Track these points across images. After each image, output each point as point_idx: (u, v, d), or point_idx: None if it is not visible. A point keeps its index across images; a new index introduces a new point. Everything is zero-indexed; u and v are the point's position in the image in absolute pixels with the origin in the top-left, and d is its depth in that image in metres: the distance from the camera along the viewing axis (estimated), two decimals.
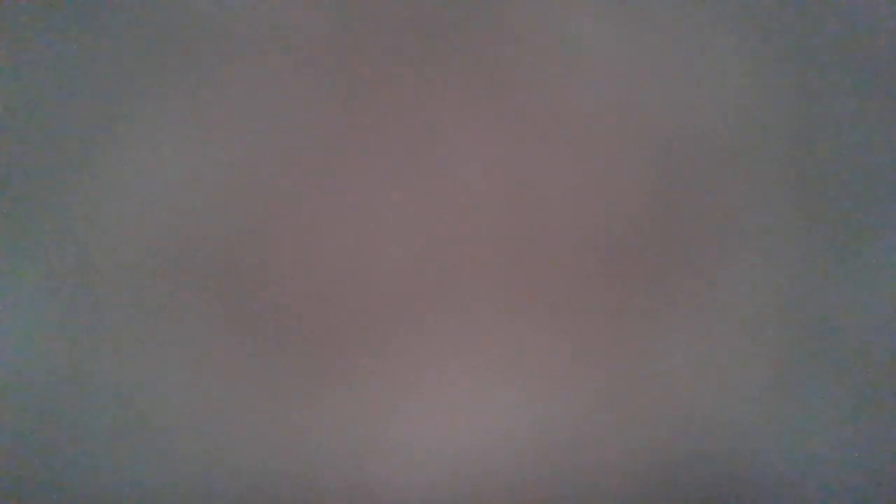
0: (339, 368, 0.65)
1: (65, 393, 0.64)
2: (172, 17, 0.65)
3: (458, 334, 0.65)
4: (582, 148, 0.65)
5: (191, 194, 0.64)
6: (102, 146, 0.64)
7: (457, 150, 0.65)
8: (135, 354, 0.64)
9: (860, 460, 0.66)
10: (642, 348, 0.65)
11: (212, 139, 0.65)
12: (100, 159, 0.64)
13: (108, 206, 0.64)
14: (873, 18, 0.67)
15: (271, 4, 0.65)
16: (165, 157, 0.64)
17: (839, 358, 0.66)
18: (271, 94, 0.65)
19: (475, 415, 0.65)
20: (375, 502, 0.65)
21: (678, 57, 0.66)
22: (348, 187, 0.65)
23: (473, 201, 0.65)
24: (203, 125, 0.65)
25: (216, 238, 0.64)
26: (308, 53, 0.65)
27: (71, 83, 0.64)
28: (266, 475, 0.64)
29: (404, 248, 0.65)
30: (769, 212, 0.66)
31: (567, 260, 0.65)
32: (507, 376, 0.65)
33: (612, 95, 0.66)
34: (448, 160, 0.65)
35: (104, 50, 0.64)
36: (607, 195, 0.65)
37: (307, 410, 0.65)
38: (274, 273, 0.64)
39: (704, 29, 0.66)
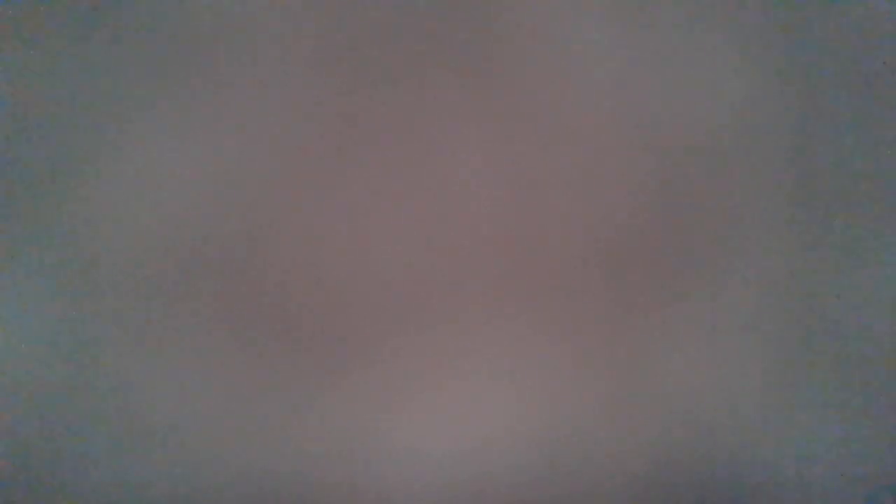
0: (339, 370, 0.65)
1: (65, 394, 0.64)
2: (173, 19, 0.65)
3: (457, 337, 0.65)
4: (581, 150, 0.65)
5: (191, 196, 0.64)
6: (103, 147, 0.64)
7: (456, 152, 0.65)
8: (134, 356, 0.64)
9: (860, 460, 0.66)
10: (642, 350, 0.65)
11: (212, 141, 0.65)
12: (100, 160, 0.64)
13: (108, 207, 0.64)
14: (873, 19, 0.67)
15: (271, 6, 0.65)
16: (165, 160, 0.64)
17: (839, 357, 0.66)
18: (271, 95, 0.65)
19: (475, 418, 0.65)
20: None
21: (678, 58, 0.66)
22: (347, 190, 0.65)
23: (473, 203, 0.65)
24: (203, 127, 0.65)
25: (216, 240, 0.64)
26: (308, 54, 0.65)
27: (71, 84, 0.64)
28: (265, 477, 0.64)
29: (404, 250, 0.65)
30: (769, 212, 0.66)
31: (567, 263, 0.65)
32: (507, 379, 0.65)
33: (611, 98, 0.66)
34: (447, 162, 0.65)
35: (104, 50, 0.64)
36: (607, 197, 0.65)
37: (306, 412, 0.65)
38: (274, 275, 0.64)
39: (704, 30, 0.66)
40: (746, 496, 0.65)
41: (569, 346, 0.65)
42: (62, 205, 0.64)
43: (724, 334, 0.65)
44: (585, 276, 0.65)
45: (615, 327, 0.65)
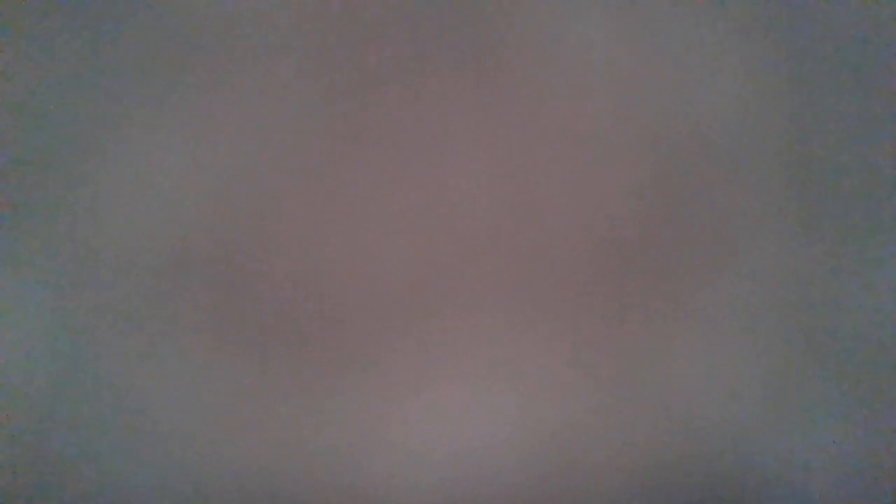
0: (339, 370, 0.65)
1: (65, 394, 0.64)
2: (172, 19, 0.65)
3: (457, 337, 0.65)
4: (580, 151, 0.65)
5: (191, 197, 0.64)
6: (103, 147, 0.64)
7: (456, 153, 0.65)
8: (134, 356, 0.64)
9: (860, 460, 0.66)
10: (641, 350, 0.65)
11: (212, 141, 0.65)
12: (100, 161, 0.64)
13: (108, 207, 0.64)
14: (872, 19, 0.67)
15: (272, 7, 0.65)
16: (166, 160, 0.64)
17: (839, 357, 0.66)
18: (272, 95, 0.65)
19: (474, 417, 0.65)
20: None
21: (678, 58, 0.66)
22: (348, 190, 0.65)
23: (473, 204, 0.65)
24: (203, 128, 0.65)
25: (216, 240, 0.64)
26: (309, 56, 0.65)
27: (71, 84, 0.64)
28: (265, 477, 0.64)
29: (404, 251, 0.65)
30: (769, 212, 0.66)
31: (567, 263, 0.65)
32: (507, 379, 0.65)
33: (611, 98, 0.65)
34: (447, 163, 0.65)
35: (104, 51, 0.64)
36: (606, 198, 0.65)
37: (306, 412, 0.65)
38: (274, 276, 0.64)
39: (704, 30, 0.66)
40: (746, 497, 0.65)
41: (569, 346, 0.65)
42: (62, 204, 0.64)
43: (724, 334, 0.65)
44: (585, 276, 0.65)
45: (615, 327, 0.65)
